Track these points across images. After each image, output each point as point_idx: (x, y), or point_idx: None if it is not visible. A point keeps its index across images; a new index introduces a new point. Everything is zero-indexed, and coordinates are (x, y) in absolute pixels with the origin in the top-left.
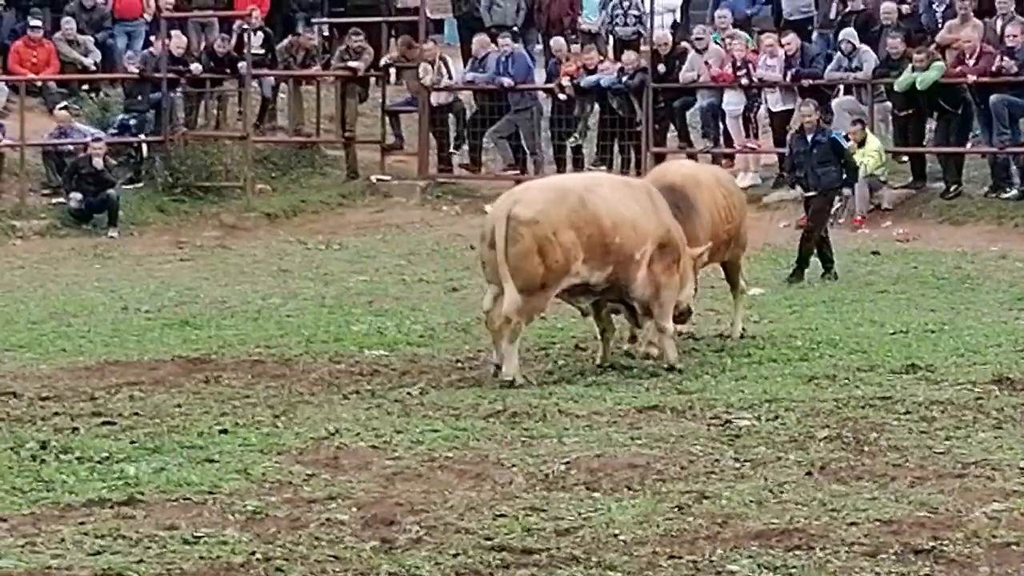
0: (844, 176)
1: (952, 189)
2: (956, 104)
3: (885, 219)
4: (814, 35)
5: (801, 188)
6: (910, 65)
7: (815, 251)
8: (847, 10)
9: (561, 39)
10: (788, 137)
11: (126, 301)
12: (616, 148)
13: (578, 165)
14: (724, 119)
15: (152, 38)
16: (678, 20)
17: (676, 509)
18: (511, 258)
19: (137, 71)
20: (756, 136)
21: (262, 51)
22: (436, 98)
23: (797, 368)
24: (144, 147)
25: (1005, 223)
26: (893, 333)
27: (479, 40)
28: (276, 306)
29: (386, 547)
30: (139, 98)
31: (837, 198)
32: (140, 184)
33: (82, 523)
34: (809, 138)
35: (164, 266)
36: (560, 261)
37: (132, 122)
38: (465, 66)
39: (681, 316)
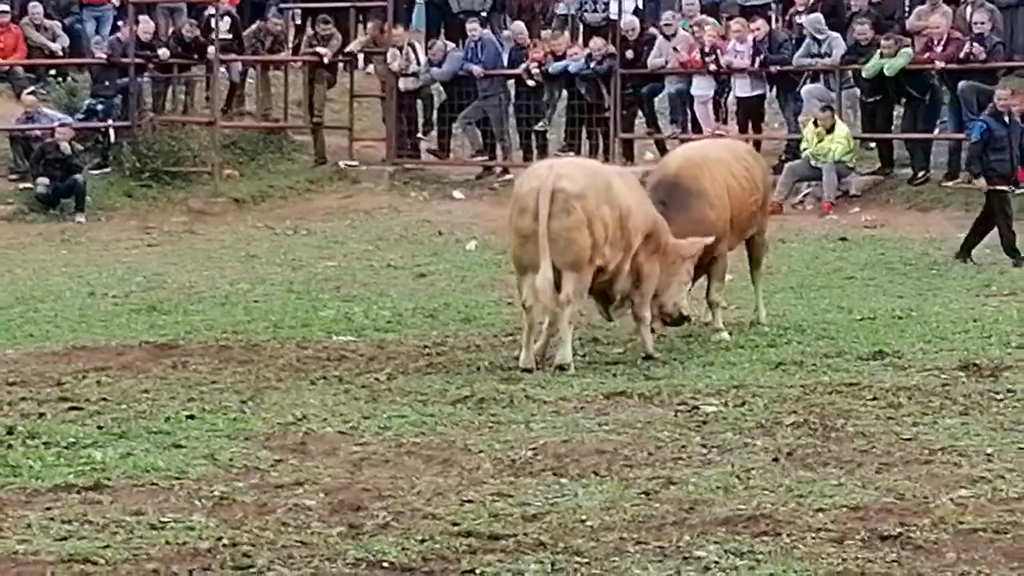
0: None
1: (920, 175)
2: (924, 91)
3: (853, 205)
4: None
5: (985, 176)
6: (878, 51)
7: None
8: None
9: (522, 24)
10: (974, 122)
11: (93, 286)
12: (584, 134)
13: (544, 151)
14: (692, 105)
15: (120, 23)
16: (639, 6)
17: (643, 495)
18: (563, 231)
19: (104, 56)
20: (725, 122)
21: (229, 36)
22: (404, 83)
23: (764, 354)
24: (111, 132)
25: (972, 209)
26: (860, 319)
27: (437, 45)
28: (244, 291)
29: (353, 532)
30: (106, 83)
31: None
32: (107, 169)
33: (49, 508)
34: (1007, 119)
35: (131, 251)
36: (602, 237)
37: (99, 107)
38: (426, 54)
39: (677, 321)
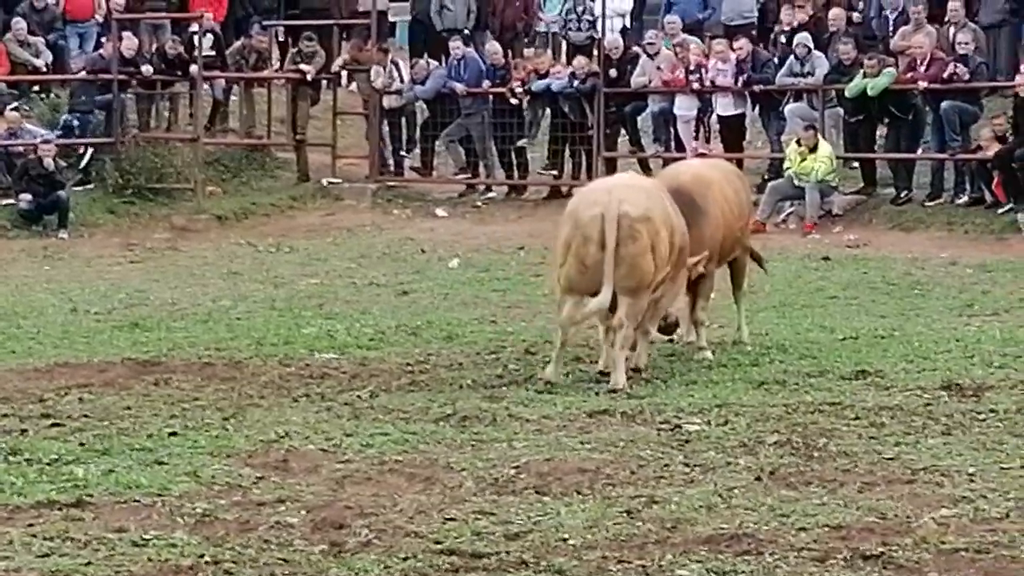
0: None
1: (902, 195)
2: (907, 110)
3: (836, 225)
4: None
5: None
6: (861, 71)
7: None
8: (799, 18)
9: (497, 44)
10: None
11: (76, 303)
12: (567, 153)
13: (526, 169)
14: (676, 124)
15: (103, 39)
16: (627, 26)
17: (626, 514)
18: (628, 257)
19: (83, 71)
20: (708, 141)
21: (213, 53)
22: (387, 101)
23: (747, 373)
24: (89, 148)
25: (955, 229)
26: (843, 339)
27: (420, 63)
28: (226, 308)
29: (335, 550)
30: (83, 99)
31: None
32: (90, 186)
33: (31, 525)
34: None
35: (114, 268)
36: (663, 259)
37: (75, 123)
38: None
39: (668, 328)
